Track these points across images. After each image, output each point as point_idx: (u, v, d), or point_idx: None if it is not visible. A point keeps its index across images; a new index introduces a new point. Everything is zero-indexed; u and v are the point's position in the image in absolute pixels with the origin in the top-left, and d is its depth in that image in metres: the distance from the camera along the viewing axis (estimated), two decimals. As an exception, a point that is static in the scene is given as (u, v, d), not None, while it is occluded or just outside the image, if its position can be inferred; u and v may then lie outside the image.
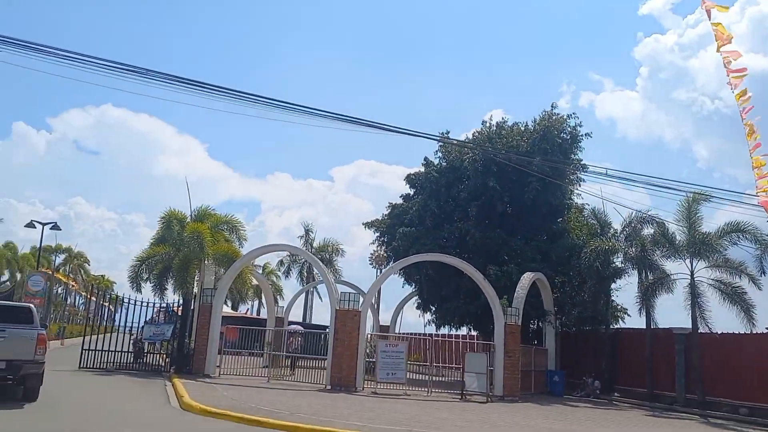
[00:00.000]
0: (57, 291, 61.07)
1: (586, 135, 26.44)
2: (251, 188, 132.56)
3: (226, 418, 12.47)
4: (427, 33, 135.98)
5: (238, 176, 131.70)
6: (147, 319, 23.20)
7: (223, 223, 24.68)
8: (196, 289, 24.29)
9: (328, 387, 19.63)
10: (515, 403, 19.50)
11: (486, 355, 20.42)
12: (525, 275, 22.66)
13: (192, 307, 23.22)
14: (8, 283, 43.31)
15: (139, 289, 23.80)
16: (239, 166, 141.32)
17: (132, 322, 22.97)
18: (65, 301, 60.24)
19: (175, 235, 23.91)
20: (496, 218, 26.37)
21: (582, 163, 26.00)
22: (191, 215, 24.60)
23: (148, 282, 25.38)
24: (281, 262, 44.13)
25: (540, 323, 26.15)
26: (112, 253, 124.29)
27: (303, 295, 42.43)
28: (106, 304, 47.98)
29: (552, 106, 27.15)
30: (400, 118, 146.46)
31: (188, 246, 22.84)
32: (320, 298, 43.27)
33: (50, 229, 37.81)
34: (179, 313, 23.28)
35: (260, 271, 41.44)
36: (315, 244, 42.89)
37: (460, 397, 19.63)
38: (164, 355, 23.62)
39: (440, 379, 22.14)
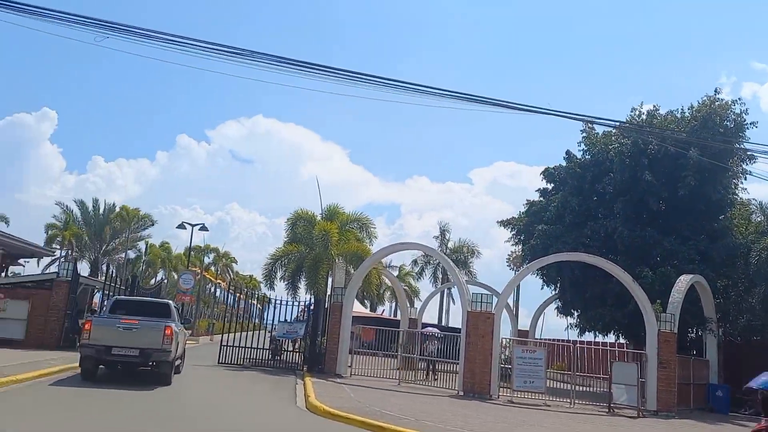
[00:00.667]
0: (210, 289, 65.09)
1: (751, 124, 23.24)
2: (391, 192, 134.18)
3: (348, 422, 11.86)
4: (567, 29, 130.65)
5: (377, 180, 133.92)
6: (291, 317, 23.35)
7: (352, 221, 24.46)
8: (330, 289, 24.37)
9: (461, 393, 18.58)
10: (671, 420, 17.32)
11: (637, 365, 18.39)
12: (681, 278, 20.22)
13: (326, 306, 23.14)
14: (165, 281, 46.55)
15: (272, 287, 24.26)
16: (378, 170, 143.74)
17: (273, 320, 23.40)
18: (215, 298, 64.07)
19: (299, 234, 24.11)
20: (647, 215, 23.96)
21: (749, 153, 22.93)
22: (321, 214, 24.62)
23: (282, 281, 25.87)
24: (415, 263, 43.74)
25: (699, 332, 23.40)
26: (263, 254, 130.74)
27: (438, 297, 41.72)
28: (253, 302, 50.28)
29: (715, 92, 24.06)
30: (539, 118, 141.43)
31: (318, 245, 22.84)
32: (453, 300, 42.39)
33: (198, 230, 39.98)
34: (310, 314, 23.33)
35: (395, 273, 41.27)
36: (450, 245, 42.01)
37: (607, 410, 17.80)
38: (300, 354, 23.75)
39: (585, 389, 20.27)
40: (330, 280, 24.90)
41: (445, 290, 40.28)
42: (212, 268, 59.36)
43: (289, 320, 23.24)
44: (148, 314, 14.54)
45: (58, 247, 41.07)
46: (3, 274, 26.00)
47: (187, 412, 11.41)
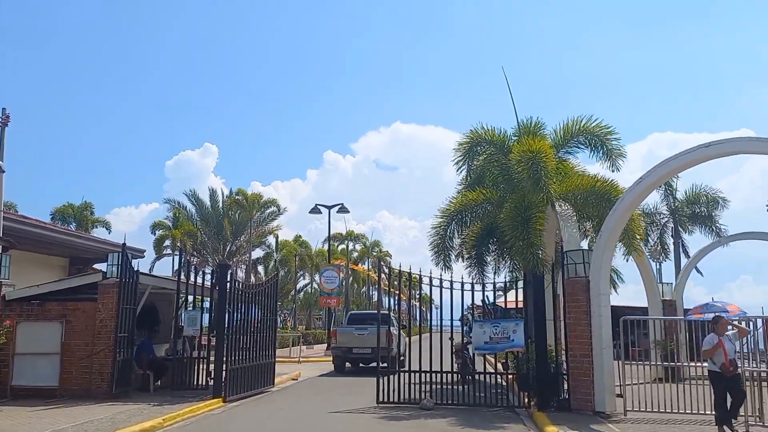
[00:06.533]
0: (362, 290, 57.14)
1: None
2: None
3: None
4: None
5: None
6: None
7: (577, 135, 13.97)
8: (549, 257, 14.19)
9: None
10: None
11: None
12: None
13: (554, 290, 12.90)
14: (280, 275, 38.67)
15: (447, 266, 14.42)
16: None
17: (453, 318, 13.63)
18: (369, 300, 55.28)
19: (481, 170, 14.39)
20: None
21: None
22: (516, 132, 14.48)
23: (460, 258, 16.42)
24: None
25: None
26: (419, 257, 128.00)
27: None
28: (415, 302, 40.53)
29: None
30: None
31: (524, 181, 12.74)
32: (701, 273, 29.45)
33: (337, 212, 31.66)
34: (527, 303, 13.07)
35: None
36: (680, 196, 29.10)
37: None
38: (511, 377, 13.66)
39: None
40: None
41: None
42: (361, 265, 50.52)
43: (487, 318, 13.30)
44: (374, 323, 16.30)
45: (171, 252, 34.54)
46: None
47: None
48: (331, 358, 22.33)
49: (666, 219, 29.55)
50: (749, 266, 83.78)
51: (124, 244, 13.31)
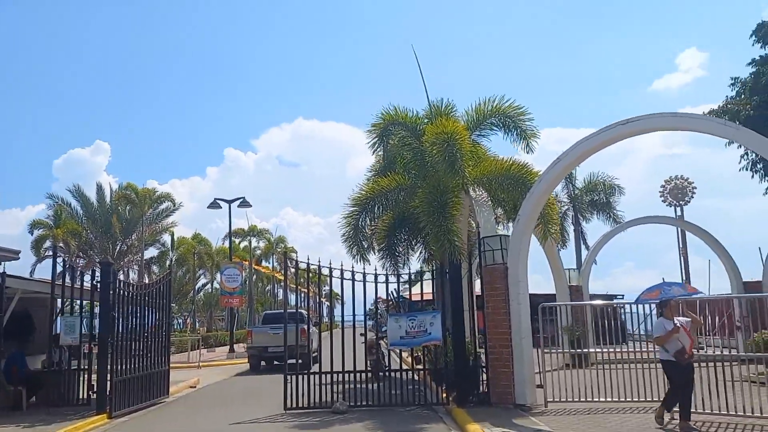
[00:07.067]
0: (266, 288, 55.26)
1: None
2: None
3: None
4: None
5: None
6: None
7: (490, 116, 13.45)
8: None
9: None
10: None
11: None
12: None
13: (470, 279, 12.26)
14: (212, 284, 36.72)
15: (363, 257, 13.63)
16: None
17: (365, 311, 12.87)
18: (275, 298, 53.50)
19: (395, 154, 13.67)
20: None
21: None
22: (428, 114, 13.82)
23: (372, 249, 15.64)
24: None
25: None
26: (325, 254, 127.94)
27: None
28: (324, 299, 38.26)
29: None
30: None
31: (439, 164, 12.05)
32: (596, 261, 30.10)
33: (238, 206, 29.95)
34: (444, 293, 12.34)
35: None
36: (579, 184, 29.84)
37: None
38: (427, 372, 12.88)
39: None
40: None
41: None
42: (265, 264, 48.43)
43: (402, 312, 12.54)
44: (289, 321, 14.26)
45: (52, 254, 31.28)
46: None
47: None
48: (234, 362, 22.86)
49: (566, 207, 30.15)
50: (632, 253, 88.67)
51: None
